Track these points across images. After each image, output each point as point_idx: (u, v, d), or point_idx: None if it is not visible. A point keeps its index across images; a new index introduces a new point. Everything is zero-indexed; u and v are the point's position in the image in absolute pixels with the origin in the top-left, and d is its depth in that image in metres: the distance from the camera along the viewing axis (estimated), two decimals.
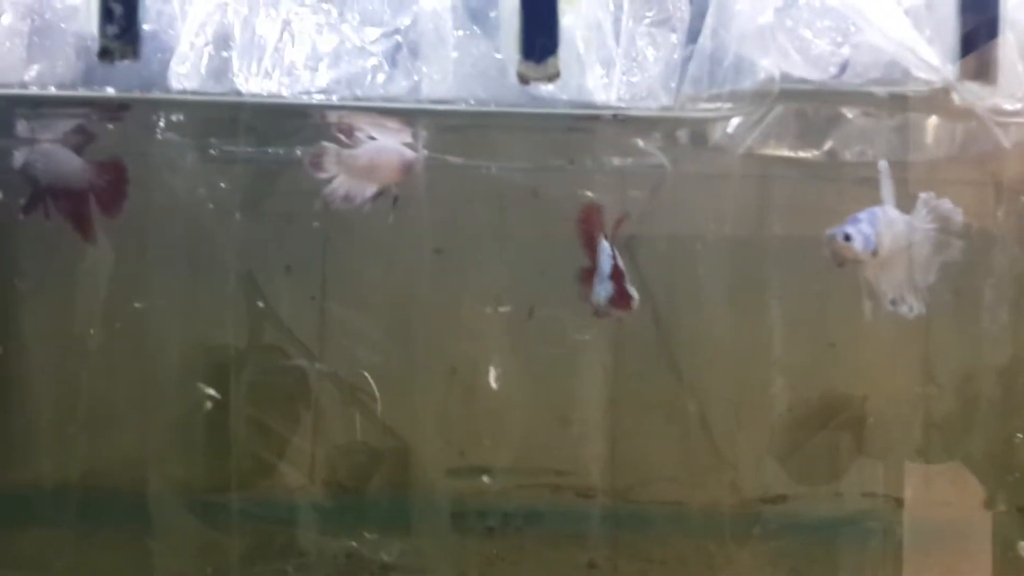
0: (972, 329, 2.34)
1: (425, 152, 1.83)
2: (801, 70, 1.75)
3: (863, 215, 1.73)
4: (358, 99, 1.75)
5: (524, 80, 1.62)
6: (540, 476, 2.46)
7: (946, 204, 1.75)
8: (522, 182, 2.02)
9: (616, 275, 1.87)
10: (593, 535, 2.47)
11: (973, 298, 2.34)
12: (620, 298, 1.88)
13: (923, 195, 1.75)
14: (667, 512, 2.49)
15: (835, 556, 2.44)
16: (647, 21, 1.78)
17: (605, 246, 1.85)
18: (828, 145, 1.90)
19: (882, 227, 1.71)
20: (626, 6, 1.76)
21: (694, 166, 1.87)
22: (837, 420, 2.46)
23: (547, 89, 1.74)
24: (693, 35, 1.78)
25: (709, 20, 1.72)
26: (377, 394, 2.28)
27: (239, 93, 1.74)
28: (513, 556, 2.44)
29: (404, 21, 1.77)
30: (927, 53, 1.63)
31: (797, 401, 2.45)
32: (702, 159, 1.86)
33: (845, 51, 1.73)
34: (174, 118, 1.86)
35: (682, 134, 1.81)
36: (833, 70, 1.74)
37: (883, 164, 1.75)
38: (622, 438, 2.46)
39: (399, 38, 1.78)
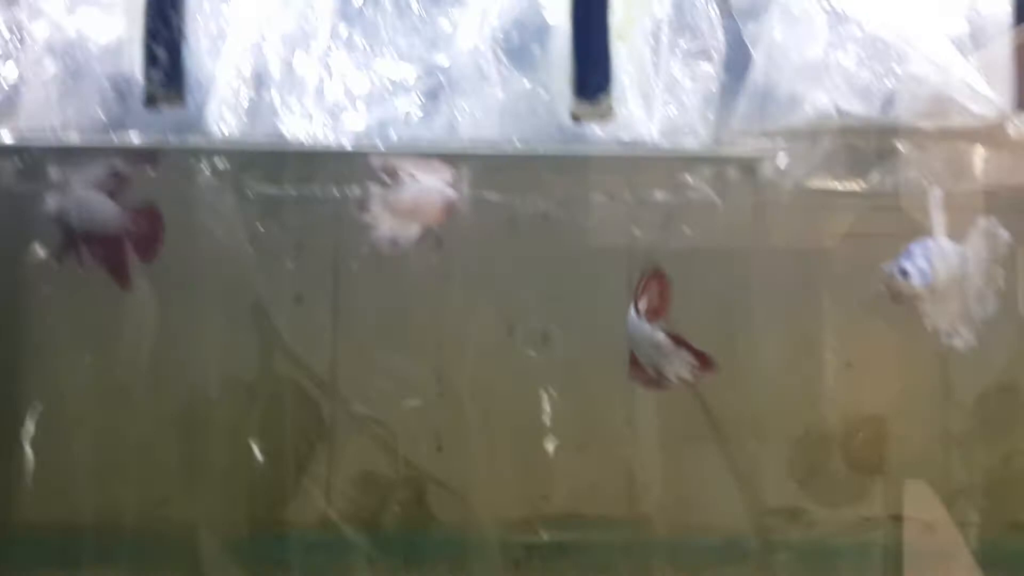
0: (993, 349, 2.34)
1: (468, 191, 1.80)
2: (850, 104, 1.73)
3: (916, 248, 1.70)
4: (399, 141, 1.73)
5: (577, 119, 1.60)
6: (565, 507, 2.44)
7: (1004, 233, 1.72)
8: (559, 217, 2.00)
9: (679, 341, 1.83)
10: (618, 566, 2.45)
11: (995, 319, 2.33)
12: (702, 362, 1.84)
13: (983, 222, 1.72)
14: (690, 539, 2.48)
15: None
16: (683, 53, 1.76)
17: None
18: (876, 177, 1.88)
19: (936, 259, 1.69)
20: (663, 38, 1.73)
21: (742, 201, 1.85)
22: (856, 441, 2.45)
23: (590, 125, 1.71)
24: (729, 66, 1.75)
25: (759, 55, 1.70)
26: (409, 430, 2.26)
27: (280, 136, 1.71)
28: None
29: (444, 60, 1.74)
30: (982, 86, 1.61)
31: (815, 422, 2.45)
32: (750, 194, 1.83)
33: (892, 83, 1.71)
34: (214, 161, 1.83)
35: (732, 170, 1.78)
36: (879, 103, 1.71)
37: (936, 193, 1.73)
38: (643, 465, 2.45)
39: (441, 76, 1.75)
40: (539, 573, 2.41)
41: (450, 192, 1.78)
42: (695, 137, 1.71)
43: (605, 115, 1.58)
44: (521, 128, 1.72)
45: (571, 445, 2.37)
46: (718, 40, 1.73)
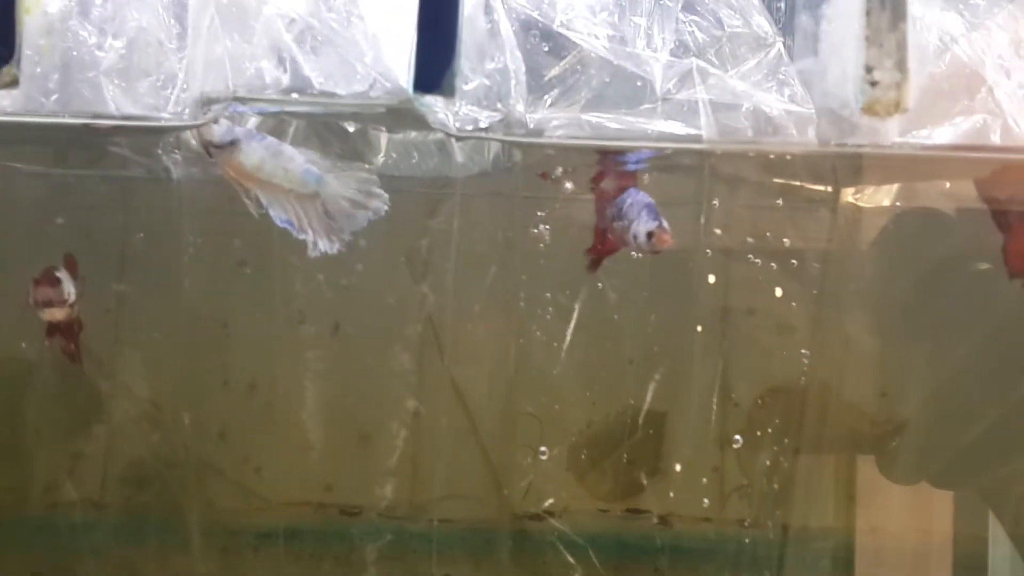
0: (770, 346, 2.27)
1: None
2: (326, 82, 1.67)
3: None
4: None
5: None
6: (310, 494, 2.46)
7: (380, 192, 1.65)
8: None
9: None
10: (344, 556, 2.46)
11: (769, 316, 2.26)
12: None
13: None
14: (452, 531, 2.46)
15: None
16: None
17: None
18: (379, 159, 1.84)
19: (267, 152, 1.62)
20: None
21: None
22: (636, 437, 2.41)
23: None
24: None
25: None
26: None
27: None
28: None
29: None
30: (384, 66, 1.56)
31: (597, 417, 2.41)
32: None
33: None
34: None
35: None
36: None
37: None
38: (423, 457, 2.44)
39: None
40: (271, 559, 2.44)
41: None
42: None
43: (9, 85, 1.59)
44: None
45: (355, 436, 2.38)
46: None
